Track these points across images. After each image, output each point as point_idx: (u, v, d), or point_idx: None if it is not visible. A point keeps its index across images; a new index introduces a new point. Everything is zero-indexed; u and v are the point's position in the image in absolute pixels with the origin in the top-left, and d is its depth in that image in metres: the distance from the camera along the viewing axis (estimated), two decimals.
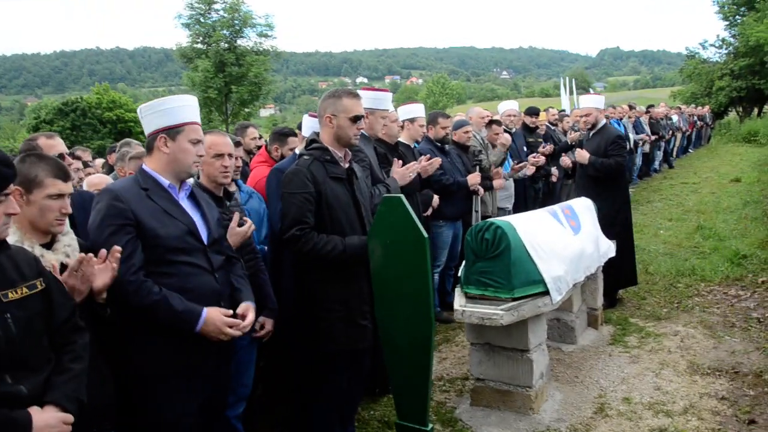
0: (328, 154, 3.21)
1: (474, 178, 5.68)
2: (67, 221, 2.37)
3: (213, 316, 2.52)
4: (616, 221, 5.64)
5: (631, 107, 13.65)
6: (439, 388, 4.45)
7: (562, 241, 4.30)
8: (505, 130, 7.23)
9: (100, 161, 7.41)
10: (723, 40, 31.57)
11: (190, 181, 2.79)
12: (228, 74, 37.05)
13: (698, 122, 21.25)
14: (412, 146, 5.41)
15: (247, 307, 2.73)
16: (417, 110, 5.55)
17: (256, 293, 2.99)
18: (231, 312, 2.60)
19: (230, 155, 3.25)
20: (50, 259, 2.19)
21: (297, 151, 3.81)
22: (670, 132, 16.32)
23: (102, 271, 2.27)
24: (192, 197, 2.78)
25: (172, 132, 2.63)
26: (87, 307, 2.25)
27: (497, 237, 3.81)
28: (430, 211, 5.35)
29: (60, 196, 2.27)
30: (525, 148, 7.60)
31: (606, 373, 4.47)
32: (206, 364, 2.64)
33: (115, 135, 37.36)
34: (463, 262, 4.15)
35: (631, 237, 6.04)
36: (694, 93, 31.04)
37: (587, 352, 4.86)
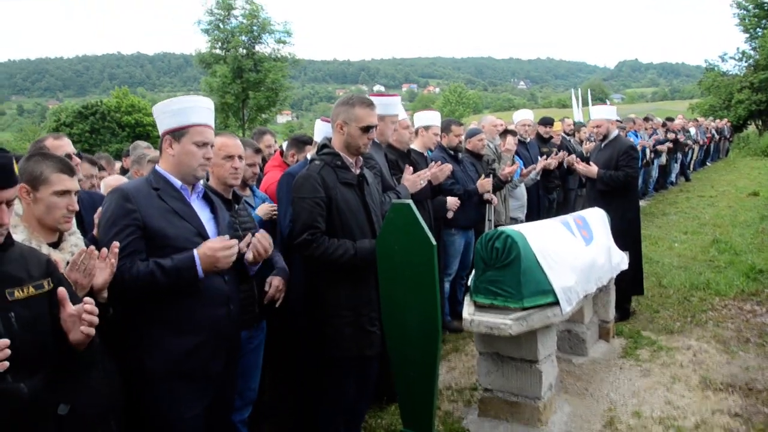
0: (339, 159, 3.21)
1: (485, 185, 5.66)
2: (74, 221, 2.40)
3: (203, 250, 2.50)
4: (626, 233, 5.58)
5: (647, 119, 13.56)
6: (447, 397, 4.42)
7: (574, 251, 4.26)
8: (520, 140, 7.22)
9: (117, 165, 7.47)
10: (743, 52, 31.35)
11: (202, 182, 2.81)
12: (245, 80, 37.35)
13: (716, 135, 21.05)
14: (425, 154, 5.40)
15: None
16: (433, 118, 5.53)
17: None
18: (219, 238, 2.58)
19: (240, 157, 3.26)
20: (57, 258, 2.21)
21: (308, 156, 3.82)
22: (687, 147, 16.19)
23: (102, 269, 2.28)
24: (206, 198, 2.80)
25: (177, 134, 2.64)
26: None
27: (507, 246, 3.79)
28: (450, 215, 5.32)
29: (66, 192, 2.30)
30: (539, 158, 7.57)
31: (616, 387, 4.42)
32: (214, 366, 2.64)
33: (133, 139, 37.75)
34: (473, 271, 4.13)
35: (640, 249, 5.98)
36: (713, 106, 30.79)
37: (598, 364, 4.80)
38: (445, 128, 5.72)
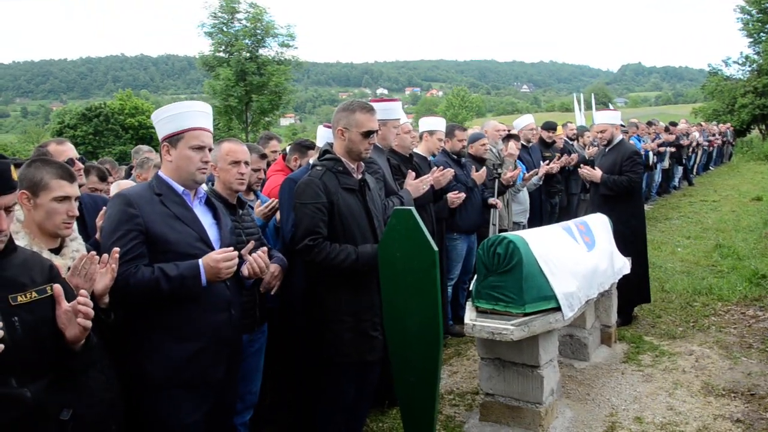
0: (341, 164, 3.22)
1: (479, 177, 5.70)
2: (75, 227, 2.41)
3: (207, 260, 2.52)
4: (630, 238, 5.58)
5: (650, 124, 13.54)
6: (448, 402, 4.42)
7: (576, 257, 4.27)
8: (524, 145, 7.23)
9: (122, 169, 7.48)
10: (746, 57, 31.35)
11: (204, 187, 2.81)
12: (249, 83, 37.36)
13: (719, 138, 21.00)
14: (429, 159, 5.41)
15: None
16: (438, 123, 5.57)
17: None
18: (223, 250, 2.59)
19: (246, 163, 3.28)
20: (58, 264, 2.22)
21: (310, 162, 3.83)
22: (690, 149, 16.16)
23: (103, 275, 2.29)
24: (208, 204, 2.81)
25: (173, 140, 2.65)
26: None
27: (509, 251, 3.79)
28: (456, 204, 5.30)
29: (66, 198, 2.32)
30: (542, 162, 7.58)
31: (618, 392, 4.42)
32: (215, 372, 2.65)
33: (136, 141, 37.90)
34: (475, 276, 4.14)
35: (645, 254, 5.97)
36: (716, 110, 30.79)
37: (600, 369, 4.80)
38: (449, 133, 5.74)
